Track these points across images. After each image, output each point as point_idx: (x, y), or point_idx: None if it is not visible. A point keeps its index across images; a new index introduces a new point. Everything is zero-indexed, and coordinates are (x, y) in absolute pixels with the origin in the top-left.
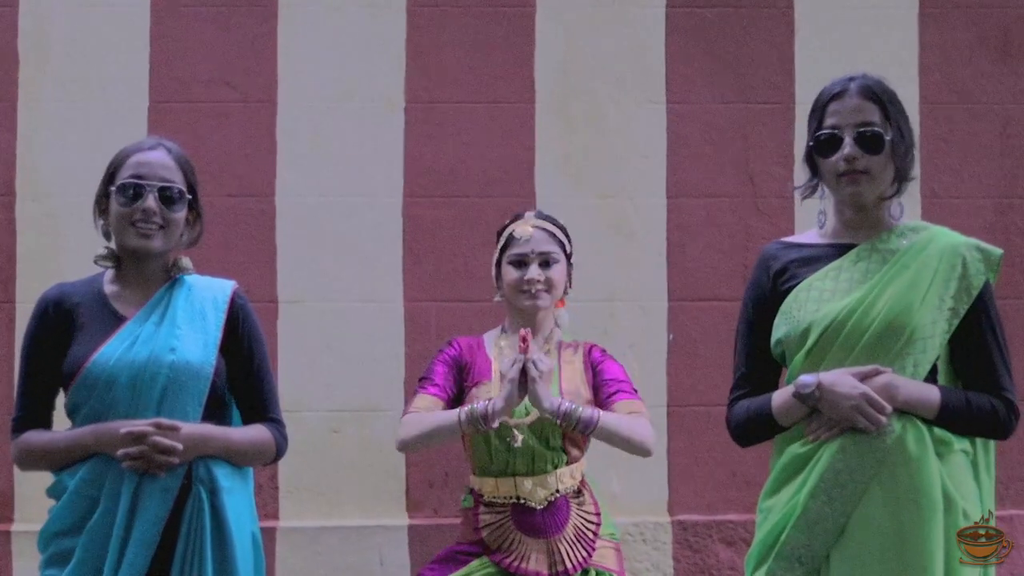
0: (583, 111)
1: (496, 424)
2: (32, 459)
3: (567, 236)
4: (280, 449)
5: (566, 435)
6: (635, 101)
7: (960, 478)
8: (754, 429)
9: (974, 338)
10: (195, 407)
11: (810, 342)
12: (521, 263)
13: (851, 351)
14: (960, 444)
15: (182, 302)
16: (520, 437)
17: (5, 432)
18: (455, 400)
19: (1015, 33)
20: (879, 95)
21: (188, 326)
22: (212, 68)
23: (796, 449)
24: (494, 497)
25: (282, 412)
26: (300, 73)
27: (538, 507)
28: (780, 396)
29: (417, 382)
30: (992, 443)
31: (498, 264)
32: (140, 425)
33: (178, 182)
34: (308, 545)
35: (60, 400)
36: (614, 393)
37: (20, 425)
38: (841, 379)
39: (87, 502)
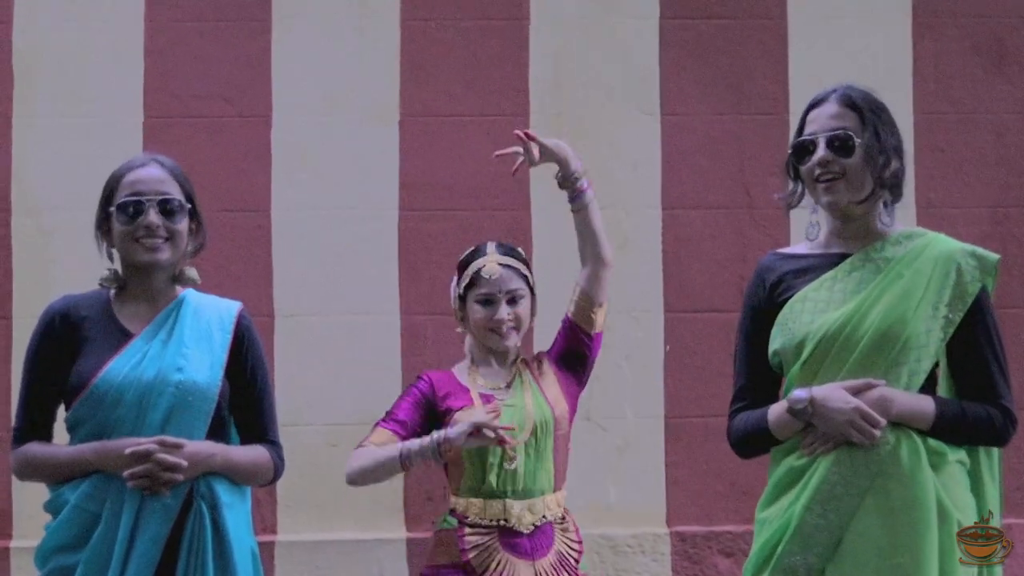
0: (578, 123)
1: (450, 448)
2: (32, 471)
3: (528, 268)
4: (277, 471)
5: (556, 450)
6: (629, 113)
7: (956, 489)
8: (753, 442)
9: (970, 346)
10: (200, 427)
11: (805, 354)
12: (489, 302)
13: (846, 362)
14: (955, 455)
15: (189, 320)
16: (517, 459)
17: (3, 447)
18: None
19: (1009, 42)
20: (857, 102)
21: (195, 345)
22: (207, 83)
23: (792, 461)
24: (480, 519)
25: (279, 435)
26: (295, 87)
27: (525, 532)
28: (776, 410)
29: (383, 414)
30: (996, 451)
31: (462, 299)
32: (144, 443)
33: (176, 194)
34: (307, 559)
35: (60, 413)
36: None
37: (21, 436)
38: (833, 393)
39: (88, 517)
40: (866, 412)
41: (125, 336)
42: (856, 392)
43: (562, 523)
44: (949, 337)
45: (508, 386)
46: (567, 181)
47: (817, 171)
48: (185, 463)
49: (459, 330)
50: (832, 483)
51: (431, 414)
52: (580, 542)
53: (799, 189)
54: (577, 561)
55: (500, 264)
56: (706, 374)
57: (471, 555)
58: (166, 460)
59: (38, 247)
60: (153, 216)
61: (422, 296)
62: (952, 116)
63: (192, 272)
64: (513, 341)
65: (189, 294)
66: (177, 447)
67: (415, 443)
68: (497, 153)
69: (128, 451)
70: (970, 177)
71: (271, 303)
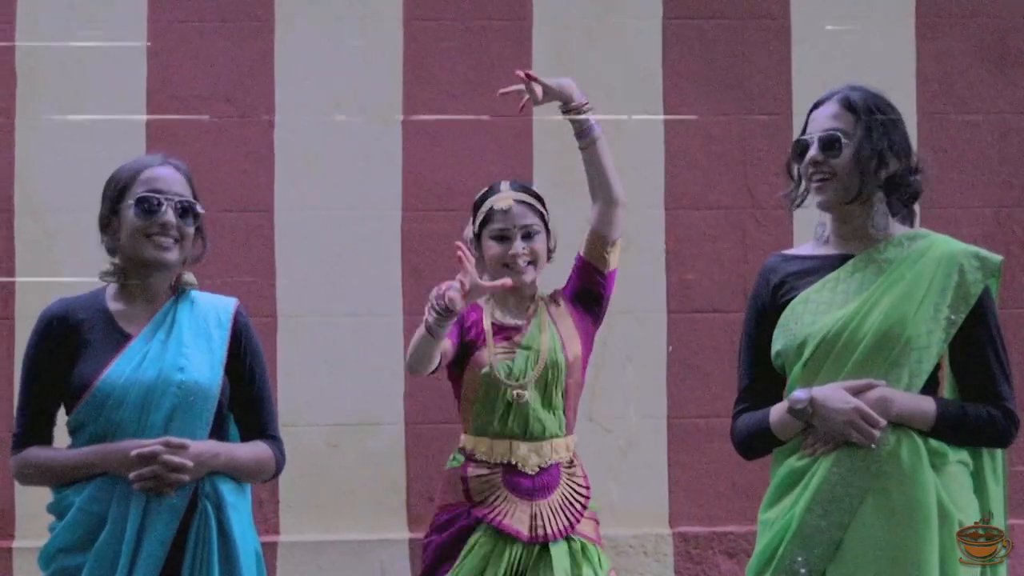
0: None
1: (455, 301)
2: (34, 475)
3: (544, 205)
4: (279, 466)
5: (567, 395)
6: (632, 113)
7: (957, 490)
8: (756, 443)
9: (972, 347)
10: (203, 426)
11: (806, 355)
12: (503, 237)
13: (846, 363)
14: (957, 455)
15: (186, 318)
16: (526, 394)
17: (5, 449)
18: (455, 347)
19: (1012, 42)
20: (855, 104)
21: (194, 344)
22: (210, 84)
23: (793, 462)
24: (487, 457)
25: (279, 429)
26: (298, 88)
27: (530, 472)
28: (777, 411)
29: None
30: (999, 452)
31: (477, 237)
32: (149, 445)
33: (191, 198)
34: (309, 560)
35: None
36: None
37: (21, 441)
38: (833, 394)
39: (93, 520)
40: (865, 412)
41: (123, 337)
42: (856, 392)
43: (569, 467)
44: (951, 338)
45: (528, 323)
46: (571, 113)
47: (810, 170)
48: (191, 464)
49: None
50: (832, 484)
51: (462, 332)
52: (588, 487)
53: (801, 189)
54: (583, 506)
55: (514, 200)
56: (709, 374)
57: (471, 483)
58: (172, 461)
59: (41, 248)
60: (170, 215)
61: (425, 296)
62: (955, 116)
63: (190, 277)
64: (530, 276)
65: (184, 293)
66: (182, 448)
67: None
68: (501, 91)
69: (134, 453)
70: (973, 177)
71: (273, 303)
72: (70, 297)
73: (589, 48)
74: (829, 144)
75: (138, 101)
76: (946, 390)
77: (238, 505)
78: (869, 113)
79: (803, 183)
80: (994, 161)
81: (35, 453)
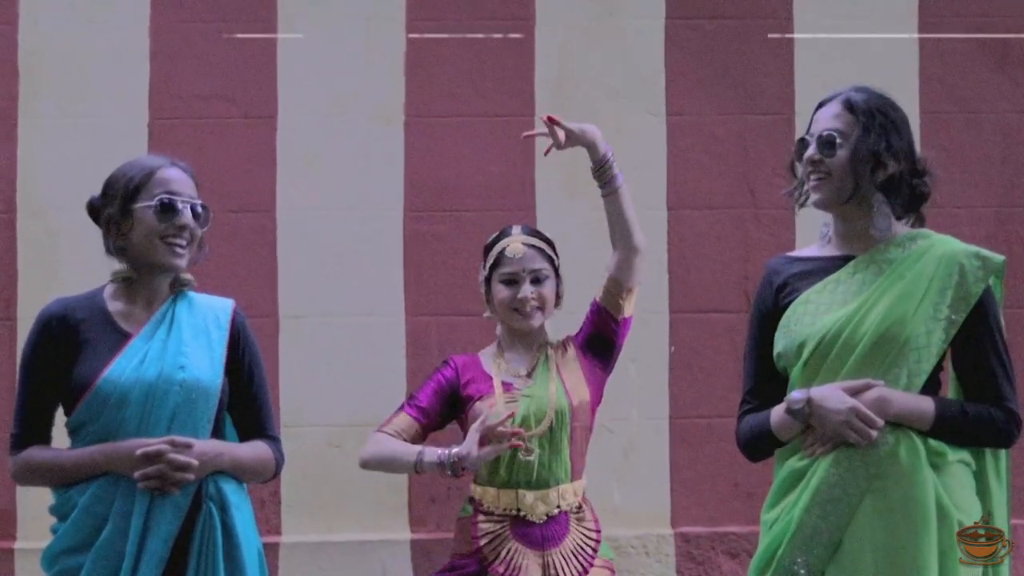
0: None
1: (465, 470)
2: (34, 475)
3: (554, 250)
4: (278, 466)
5: (573, 441)
6: (634, 113)
7: (957, 490)
8: (758, 444)
9: (974, 347)
10: (205, 425)
11: (805, 355)
12: (512, 281)
13: (845, 363)
14: (957, 455)
15: (186, 317)
16: (535, 451)
17: (5, 450)
18: (436, 426)
19: (1014, 42)
20: (857, 105)
21: (194, 343)
22: (212, 84)
23: (794, 463)
24: (494, 508)
25: (276, 430)
26: (300, 88)
27: (538, 521)
28: (777, 412)
29: (407, 397)
30: (1003, 452)
31: (487, 281)
32: (155, 444)
33: (200, 200)
34: (311, 560)
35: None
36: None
37: (20, 441)
38: (831, 394)
39: (96, 520)
40: (863, 412)
41: (123, 336)
42: (854, 392)
43: (578, 512)
44: (952, 338)
45: (530, 374)
46: (596, 167)
47: (807, 169)
48: (196, 463)
49: (486, 315)
50: (831, 484)
51: (453, 400)
52: (598, 531)
53: (803, 188)
54: (594, 551)
55: (524, 244)
56: (711, 375)
57: (483, 542)
58: (177, 460)
59: (44, 248)
60: (188, 218)
61: (427, 297)
62: (957, 116)
63: (187, 276)
64: (537, 321)
65: (182, 293)
66: (187, 447)
67: (434, 454)
68: (525, 135)
69: (139, 452)
70: (975, 177)
71: (275, 304)
72: (68, 297)
73: (591, 49)
74: (825, 144)
75: (140, 101)
76: (949, 391)
77: (241, 505)
78: (869, 114)
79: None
80: (996, 161)
81: (35, 453)
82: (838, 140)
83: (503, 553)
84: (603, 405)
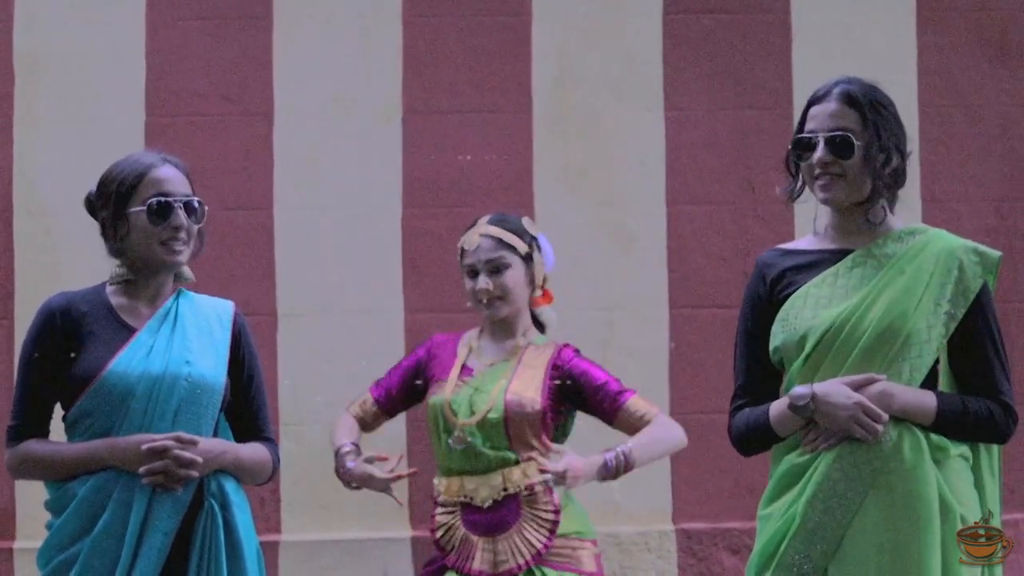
0: (581, 120)
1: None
2: (33, 469)
3: (521, 234)
4: (275, 468)
5: (512, 436)
6: (633, 109)
7: (958, 484)
8: (754, 439)
9: (971, 342)
10: (208, 422)
11: (807, 349)
12: (474, 272)
13: (846, 358)
14: (958, 450)
15: (189, 314)
16: (460, 437)
17: (2, 444)
18: (396, 412)
19: (1013, 35)
20: (858, 99)
21: (198, 339)
22: (208, 81)
23: (794, 459)
24: (447, 498)
25: (273, 432)
26: (297, 85)
27: (483, 505)
28: (777, 407)
29: (388, 370)
30: (996, 447)
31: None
32: (161, 439)
33: (193, 195)
34: (311, 559)
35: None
36: (617, 395)
37: (18, 433)
38: (835, 389)
39: (94, 508)
40: (868, 407)
41: (127, 330)
42: (857, 387)
43: (529, 495)
44: (950, 333)
45: (493, 364)
46: (611, 477)
47: (816, 171)
48: (200, 460)
49: (469, 304)
50: (834, 480)
51: (419, 380)
52: (557, 511)
53: (799, 183)
54: (551, 532)
55: (481, 235)
56: (711, 370)
57: (439, 534)
58: (183, 456)
59: (41, 248)
60: (182, 218)
61: (425, 294)
62: (957, 109)
63: (186, 271)
64: (502, 311)
65: (184, 290)
66: (193, 444)
67: (344, 450)
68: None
69: (145, 447)
70: (975, 171)
71: (274, 302)
72: (70, 291)
73: (590, 44)
74: (839, 145)
75: (137, 99)
76: (942, 384)
77: (241, 504)
78: (873, 109)
79: (800, 179)
80: (995, 154)
81: (34, 446)
82: (855, 141)
83: (456, 542)
84: None
